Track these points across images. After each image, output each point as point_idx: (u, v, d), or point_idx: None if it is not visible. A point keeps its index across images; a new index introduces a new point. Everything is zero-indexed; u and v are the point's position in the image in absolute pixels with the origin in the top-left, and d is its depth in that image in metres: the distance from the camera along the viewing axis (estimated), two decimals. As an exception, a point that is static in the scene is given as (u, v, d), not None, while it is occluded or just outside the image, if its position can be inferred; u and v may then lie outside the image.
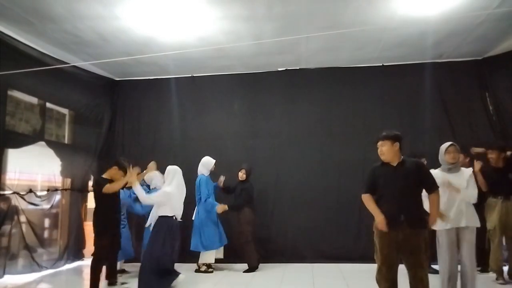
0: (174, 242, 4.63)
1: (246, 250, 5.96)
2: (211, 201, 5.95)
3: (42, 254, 5.99)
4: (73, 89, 6.53)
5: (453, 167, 3.93)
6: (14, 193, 5.42)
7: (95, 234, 4.70)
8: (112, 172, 4.77)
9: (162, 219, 4.56)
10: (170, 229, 4.55)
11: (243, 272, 5.86)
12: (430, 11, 4.88)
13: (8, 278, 5.25)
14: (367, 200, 3.46)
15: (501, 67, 6.18)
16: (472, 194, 3.86)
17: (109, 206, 4.69)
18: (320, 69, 6.93)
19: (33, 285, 5.35)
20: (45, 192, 6.11)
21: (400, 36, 5.71)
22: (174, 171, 4.74)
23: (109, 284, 4.93)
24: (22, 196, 5.54)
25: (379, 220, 3.32)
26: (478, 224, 3.89)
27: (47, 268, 5.95)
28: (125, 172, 4.69)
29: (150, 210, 5.35)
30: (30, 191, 5.73)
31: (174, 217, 4.61)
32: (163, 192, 4.59)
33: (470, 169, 4.07)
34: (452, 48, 6.14)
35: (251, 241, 5.94)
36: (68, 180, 6.53)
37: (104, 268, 4.89)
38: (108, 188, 4.56)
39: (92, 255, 4.66)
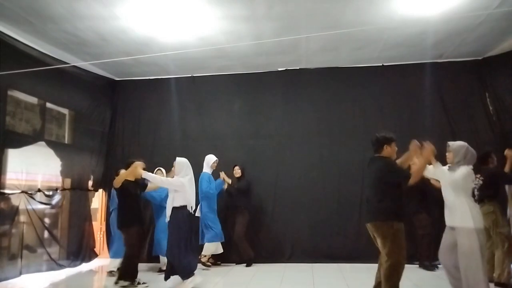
0: (192, 232, 4.76)
1: (241, 246, 6.25)
2: (212, 187, 6.13)
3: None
4: (73, 89, 6.52)
5: (450, 167, 3.80)
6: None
7: (123, 231, 4.95)
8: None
9: (176, 210, 4.65)
10: (185, 218, 4.65)
11: (245, 266, 6.15)
12: (430, 11, 4.88)
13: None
14: (414, 169, 3.69)
15: (501, 67, 6.17)
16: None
17: (130, 204, 4.91)
18: (320, 69, 6.93)
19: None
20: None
21: (400, 36, 5.71)
22: (187, 164, 4.87)
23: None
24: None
25: (430, 148, 3.63)
26: (471, 225, 3.46)
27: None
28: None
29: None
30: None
31: (187, 207, 4.71)
32: (179, 181, 4.70)
33: (465, 167, 3.67)
34: (452, 48, 6.14)
35: (244, 240, 6.24)
36: (70, 180, 6.53)
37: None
38: (115, 183, 4.78)
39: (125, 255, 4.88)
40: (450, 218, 3.66)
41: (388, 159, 3.74)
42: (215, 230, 6.06)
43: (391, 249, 3.49)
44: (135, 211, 5.00)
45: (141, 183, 5.18)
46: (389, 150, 3.74)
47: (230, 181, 6.38)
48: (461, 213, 3.55)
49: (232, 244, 6.36)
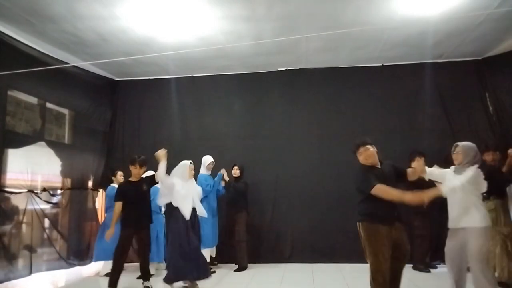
0: (188, 234, 4.56)
1: (237, 249, 6.08)
2: (211, 184, 5.99)
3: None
4: (73, 89, 6.52)
5: (456, 169, 3.74)
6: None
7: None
8: (133, 171, 4.92)
9: (169, 209, 4.64)
10: (178, 220, 4.55)
11: (234, 271, 5.97)
12: (430, 11, 4.88)
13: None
14: (384, 188, 3.24)
15: (501, 67, 6.17)
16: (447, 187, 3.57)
17: (133, 202, 4.77)
18: (320, 69, 6.93)
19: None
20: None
21: (400, 36, 5.71)
22: (183, 168, 4.80)
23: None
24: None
25: (413, 196, 3.19)
26: (482, 224, 3.45)
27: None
28: (139, 164, 4.90)
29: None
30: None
31: (179, 210, 4.61)
32: (170, 181, 4.63)
33: (473, 168, 3.63)
34: (452, 48, 6.14)
35: (244, 241, 6.07)
36: (71, 180, 6.54)
37: None
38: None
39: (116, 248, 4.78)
40: (459, 219, 3.55)
41: (361, 166, 3.55)
42: (209, 234, 5.84)
43: (367, 251, 3.37)
44: (132, 213, 4.76)
45: (146, 180, 4.97)
46: (360, 157, 3.56)
47: (228, 179, 6.17)
48: (472, 213, 3.49)
49: (231, 243, 6.22)
